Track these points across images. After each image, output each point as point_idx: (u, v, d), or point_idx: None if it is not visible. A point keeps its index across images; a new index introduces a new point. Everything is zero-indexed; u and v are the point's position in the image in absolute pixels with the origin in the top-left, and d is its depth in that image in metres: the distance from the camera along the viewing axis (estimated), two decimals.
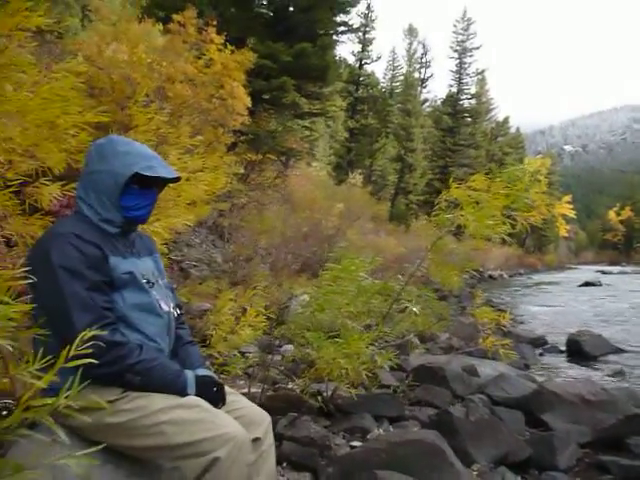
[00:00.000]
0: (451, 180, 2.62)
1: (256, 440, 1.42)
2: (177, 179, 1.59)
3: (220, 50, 6.83)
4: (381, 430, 2.61)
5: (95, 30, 6.75)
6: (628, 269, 42.64)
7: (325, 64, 12.59)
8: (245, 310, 3.03)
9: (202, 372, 1.51)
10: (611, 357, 5.30)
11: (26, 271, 1.03)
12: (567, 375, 4.54)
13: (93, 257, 1.36)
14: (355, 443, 2.46)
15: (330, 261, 3.27)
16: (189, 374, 1.43)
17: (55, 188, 2.06)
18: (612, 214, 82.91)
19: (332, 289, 2.40)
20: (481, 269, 26.55)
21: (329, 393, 2.74)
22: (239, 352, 3.42)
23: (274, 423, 1.99)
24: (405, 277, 2.58)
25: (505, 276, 26.75)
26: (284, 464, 2.23)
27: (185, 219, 2.60)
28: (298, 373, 3.55)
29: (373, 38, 29.62)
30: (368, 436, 2.53)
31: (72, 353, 0.97)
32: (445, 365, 3.57)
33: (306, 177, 15.45)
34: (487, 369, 4.15)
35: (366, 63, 30.49)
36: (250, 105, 7.11)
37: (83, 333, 1.02)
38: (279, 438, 2.27)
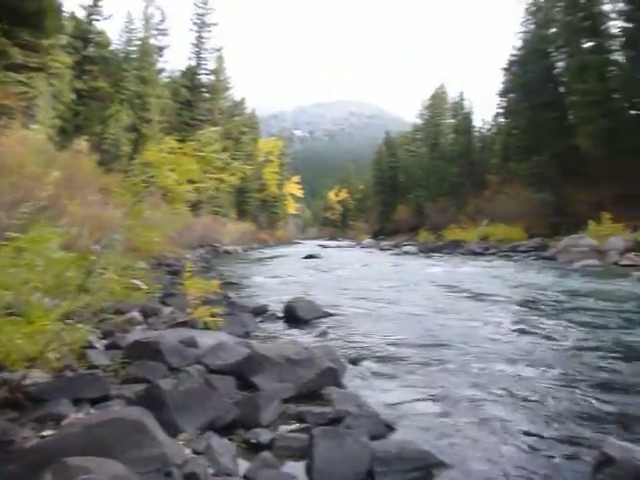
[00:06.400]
0: (146, 141, 2.53)
1: None
2: None
3: None
4: (80, 414, 2.40)
5: None
6: (343, 243, 49.24)
7: (41, 9, 11.04)
8: None
9: None
10: (320, 320, 5.93)
11: None
12: (281, 338, 4.90)
13: None
14: (47, 432, 2.21)
15: (14, 230, 2.85)
16: None
17: None
18: (331, 195, 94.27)
19: (14, 262, 2.07)
20: (217, 244, 27.23)
21: (17, 381, 2.40)
22: None
23: None
24: (100, 246, 2.39)
25: (240, 250, 27.93)
26: None
27: None
28: None
29: None
30: (63, 422, 2.30)
31: None
32: (160, 338, 3.49)
33: (20, 139, 13.39)
34: (208, 339, 4.19)
35: (97, 20, 27.93)
36: None
37: None
38: None
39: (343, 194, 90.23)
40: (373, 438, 2.43)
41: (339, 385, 3.34)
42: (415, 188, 51.74)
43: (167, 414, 2.46)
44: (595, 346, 4.45)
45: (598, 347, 4.41)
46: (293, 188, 66.62)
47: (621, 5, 26.84)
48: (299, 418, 2.76)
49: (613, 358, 4.04)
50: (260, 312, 6.25)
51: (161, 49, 35.65)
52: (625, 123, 24.97)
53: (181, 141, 3.04)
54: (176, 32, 36.46)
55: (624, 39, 26.45)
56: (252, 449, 2.38)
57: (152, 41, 34.54)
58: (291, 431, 2.58)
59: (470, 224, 33.82)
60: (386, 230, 55.50)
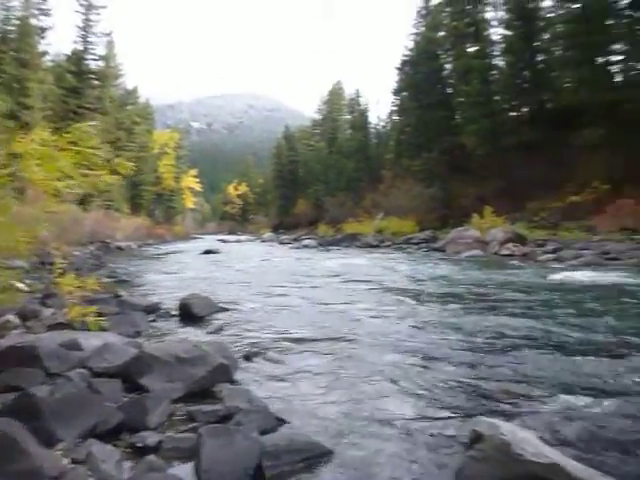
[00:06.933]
0: (16, 129, 2.36)
1: None
2: None
3: None
4: None
5: None
6: (243, 237, 48.87)
7: None
8: None
9: None
10: (216, 316, 5.84)
11: None
12: (174, 337, 4.76)
13: None
14: None
15: None
16: None
17: None
18: (231, 189, 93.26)
19: None
20: (109, 240, 25.88)
21: None
22: None
23: None
24: None
25: (134, 246, 26.79)
26: None
27: None
28: None
29: None
30: None
31: None
32: (38, 342, 3.25)
33: None
34: (93, 341, 3.97)
35: None
36: None
37: None
38: None
39: (243, 188, 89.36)
40: (263, 433, 2.43)
41: (232, 381, 3.31)
42: (314, 182, 52.54)
43: (42, 423, 2.30)
44: (482, 331, 4.77)
45: (485, 332, 4.73)
46: (191, 181, 64.83)
47: (502, 14, 29.09)
48: (189, 418, 2.70)
49: (500, 342, 4.36)
50: (153, 310, 6.03)
51: (43, 30, 32.97)
52: (504, 124, 27.16)
53: (57, 130, 2.85)
54: (61, 13, 34.00)
55: (504, 45, 28.67)
56: (138, 453, 2.28)
57: (33, 21, 31.87)
58: (180, 432, 2.52)
59: (367, 218, 34.97)
60: (286, 224, 55.81)
